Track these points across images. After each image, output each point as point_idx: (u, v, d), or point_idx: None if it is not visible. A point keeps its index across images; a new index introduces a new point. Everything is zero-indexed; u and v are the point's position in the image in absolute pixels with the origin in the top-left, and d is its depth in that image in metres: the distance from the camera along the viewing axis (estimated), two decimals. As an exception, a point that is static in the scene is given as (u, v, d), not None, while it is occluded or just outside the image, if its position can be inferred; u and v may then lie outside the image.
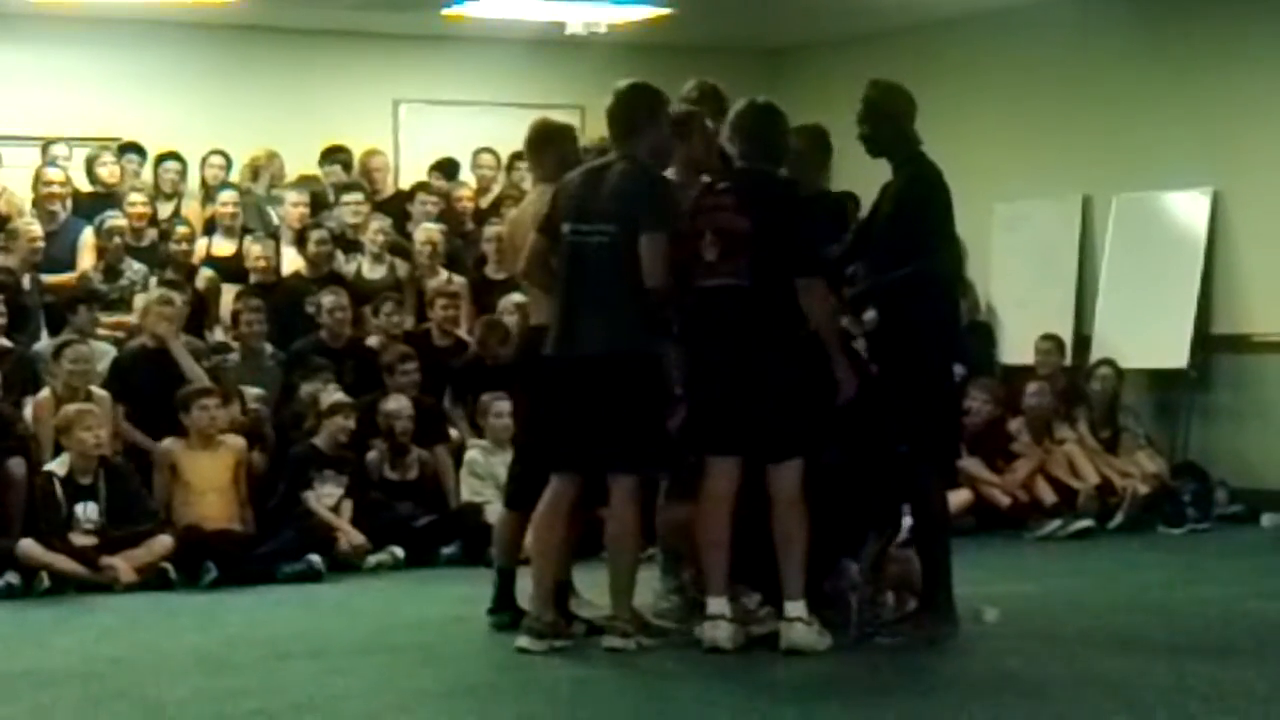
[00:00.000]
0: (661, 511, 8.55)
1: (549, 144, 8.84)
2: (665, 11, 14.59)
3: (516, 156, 14.12)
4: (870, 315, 8.65)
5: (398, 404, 11.78)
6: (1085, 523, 12.60)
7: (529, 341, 8.66)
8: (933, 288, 8.55)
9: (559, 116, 9.24)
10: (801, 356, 8.07)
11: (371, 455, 11.78)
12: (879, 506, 8.66)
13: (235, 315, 12.59)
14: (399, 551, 11.23)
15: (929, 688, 7.53)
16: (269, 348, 12.48)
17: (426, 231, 13.74)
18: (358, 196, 14.16)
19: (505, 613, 8.68)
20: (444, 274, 13.43)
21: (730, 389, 8.07)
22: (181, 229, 13.37)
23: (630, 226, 8.00)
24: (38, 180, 13.42)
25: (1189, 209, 14.01)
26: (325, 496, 11.33)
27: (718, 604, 8.08)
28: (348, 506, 11.39)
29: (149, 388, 11.49)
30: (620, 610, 8.18)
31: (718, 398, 8.11)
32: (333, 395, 11.65)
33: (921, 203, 8.47)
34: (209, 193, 14.21)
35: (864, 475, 8.50)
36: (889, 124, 8.57)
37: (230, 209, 13.74)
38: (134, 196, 13.51)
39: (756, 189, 8.24)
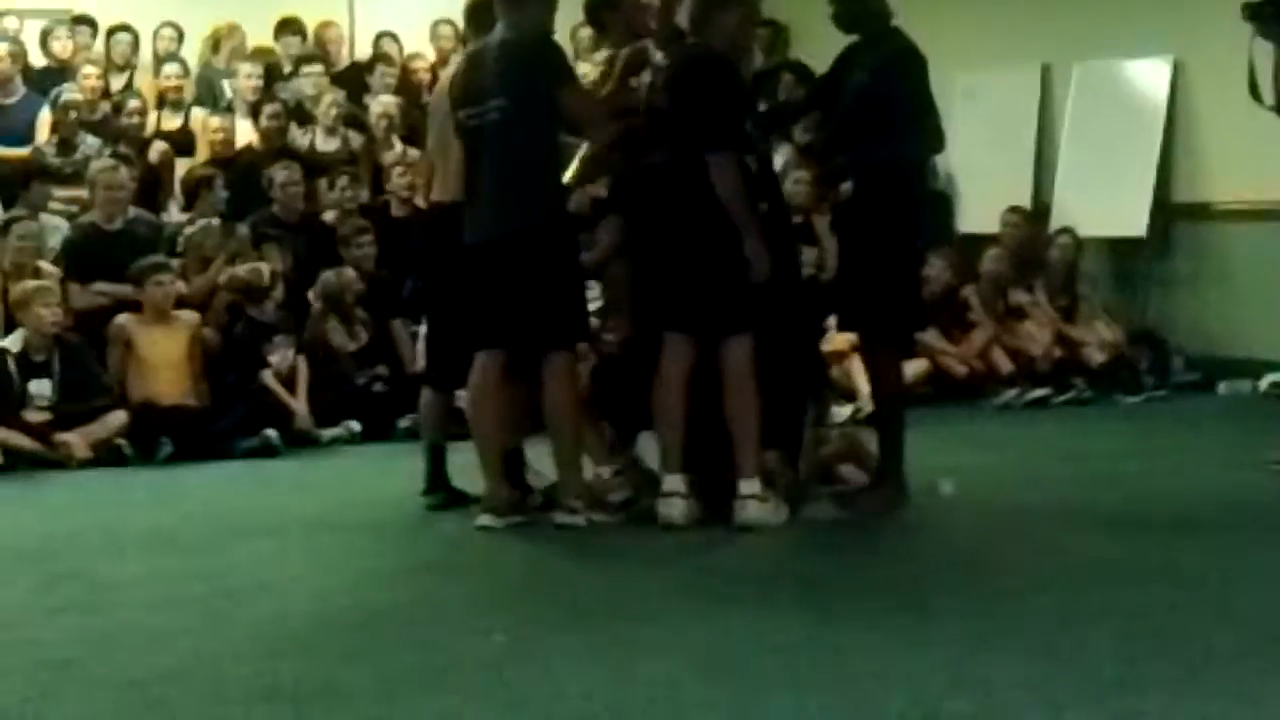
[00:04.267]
0: None
1: (488, 14, 8.47)
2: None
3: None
4: (847, 186, 8.63)
5: (338, 276, 11.72)
6: (1041, 391, 12.63)
7: (432, 217, 8.63)
8: (909, 170, 8.50)
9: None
10: (733, 233, 7.97)
11: (312, 319, 11.71)
12: (809, 377, 8.72)
13: (199, 190, 12.42)
14: (355, 425, 11.21)
15: (884, 562, 7.53)
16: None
17: (383, 104, 13.62)
18: (317, 68, 14.06)
19: (438, 493, 8.69)
20: (399, 147, 13.31)
21: (670, 266, 8.07)
22: (133, 102, 13.26)
23: (523, 98, 7.93)
24: (-10, 54, 13.28)
25: (1150, 77, 13.96)
26: (281, 361, 11.25)
27: (673, 481, 8.06)
28: (303, 368, 11.32)
29: (98, 263, 11.40)
30: (568, 486, 8.16)
31: (660, 274, 8.12)
32: (264, 267, 11.59)
33: (902, 79, 8.37)
34: (160, 65, 14.08)
35: (793, 354, 8.49)
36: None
37: (174, 82, 13.71)
38: (87, 69, 13.41)
39: (680, 65, 8.19)
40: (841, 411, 11.01)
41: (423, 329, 11.33)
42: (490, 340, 8.15)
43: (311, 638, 6.20)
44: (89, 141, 12.73)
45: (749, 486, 8.02)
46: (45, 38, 13.83)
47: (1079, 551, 7.51)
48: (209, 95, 14.02)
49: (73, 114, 12.77)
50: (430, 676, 5.56)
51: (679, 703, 5.21)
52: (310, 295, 11.76)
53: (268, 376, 11.18)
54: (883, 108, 8.31)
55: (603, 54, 8.60)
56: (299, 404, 11.15)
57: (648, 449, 8.57)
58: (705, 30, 8.21)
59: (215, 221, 11.93)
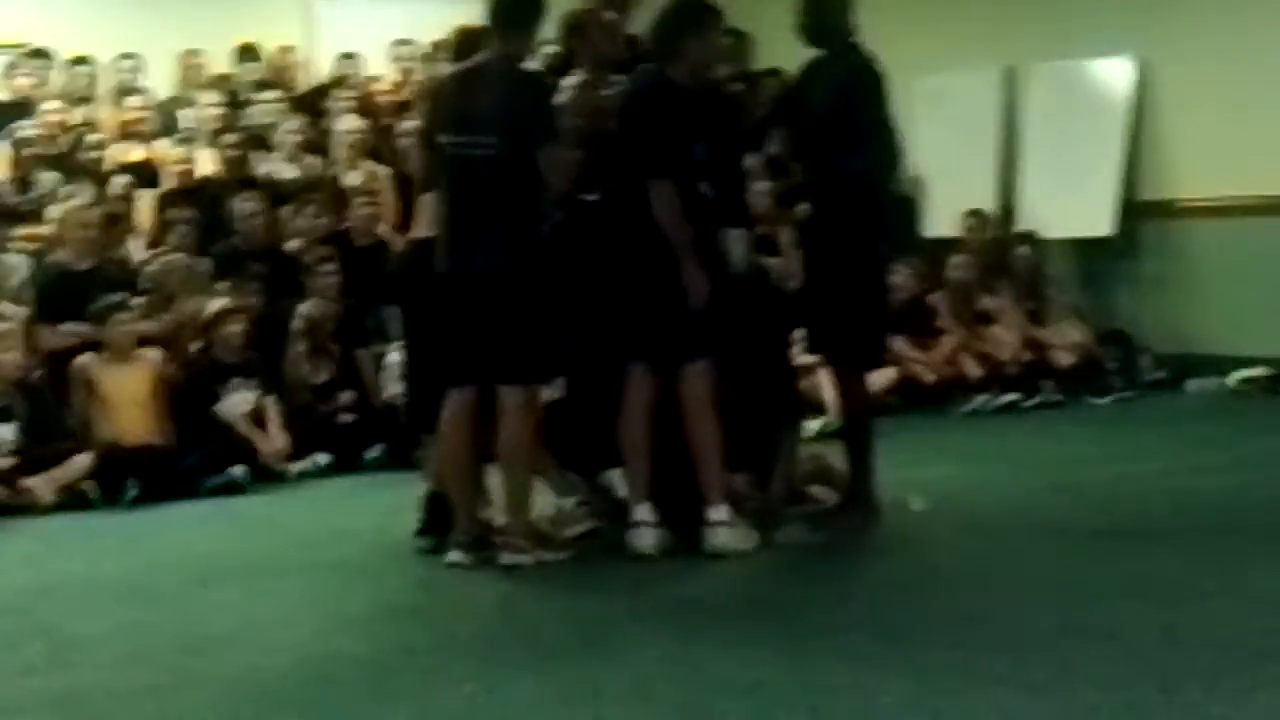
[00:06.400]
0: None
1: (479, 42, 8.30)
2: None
3: (436, 46, 13.87)
4: (804, 208, 8.60)
5: (315, 308, 11.63)
6: (1011, 396, 12.60)
7: (412, 255, 8.48)
8: (871, 185, 8.45)
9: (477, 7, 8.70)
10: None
11: (290, 356, 11.59)
12: (784, 401, 8.67)
13: (166, 224, 12.35)
14: (323, 458, 11.12)
15: (857, 589, 7.46)
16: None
17: (347, 124, 13.55)
18: (274, 94, 13.97)
19: (431, 536, 8.51)
20: (361, 170, 13.20)
21: (621, 296, 8.06)
22: (93, 136, 13.16)
23: (518, 139, 7.79)
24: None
25: (1113, 76, 13.93)
26: (240, 404, 11.15)
27: (641, 510, 8.03)
28: (273, 404, 11.24)
29: (69, 304, 11.27)
30: (516, 524, 8.04)
31: (614, 305, 8.09)
32: (215, 304, 11.48)
33: (866, 97, 8.38)
34: (122, 97, 13.97)
35: (763, 375, 8.46)
36: (826, 14, 8.45)
37: (138, 114, 13.57)
38: (48, 104, 13.28)
39: (628, 94, 8.19)
40: (810, 425, 10.95)
41: (390, 356, 11.34)
42: (466, 376, 8.07)
43: (282, 693, 6.12)
44: (46, 177, 12.61)
45: (716, 513, 7.99)
46: (9, 71, 13.73)
47: (1054, 571, 7.50)
48: (171, 124, 13.93)
49: (28, 150, 12.68)
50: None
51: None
52: (291, 328, 11.62)
53: (231, 413, 11.04)
54: (843, 124, 8.32)
55: (576, 78, 8.49)
56: (274, 440, 11.04)
57: (616, 478, 8.52)
58: (663, 55, 8.18)
59: (179, 257, 11.82)
